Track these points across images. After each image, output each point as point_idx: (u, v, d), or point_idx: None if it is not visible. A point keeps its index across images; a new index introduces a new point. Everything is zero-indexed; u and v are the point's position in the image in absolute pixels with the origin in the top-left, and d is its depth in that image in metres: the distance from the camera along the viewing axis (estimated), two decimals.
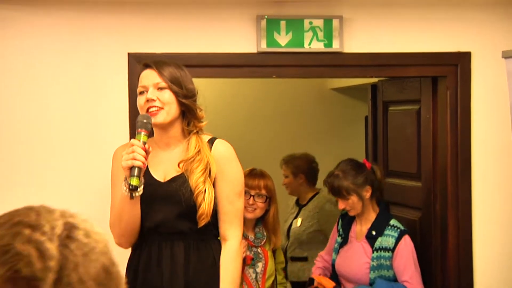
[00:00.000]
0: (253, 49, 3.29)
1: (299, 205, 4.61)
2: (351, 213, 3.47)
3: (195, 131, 2.66)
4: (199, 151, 2.61)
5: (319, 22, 3.30)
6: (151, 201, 2.59)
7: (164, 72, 2.59)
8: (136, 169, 2.43)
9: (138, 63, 3.00)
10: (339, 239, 3.61)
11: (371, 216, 3.44)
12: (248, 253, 3.36)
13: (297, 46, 3.30)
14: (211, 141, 2.68)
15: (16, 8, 3.19)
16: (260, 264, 3.43)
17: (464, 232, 3.44)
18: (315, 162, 4.68)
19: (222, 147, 2.68)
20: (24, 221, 0.98)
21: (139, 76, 2.67)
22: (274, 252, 3.61)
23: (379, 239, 3.35)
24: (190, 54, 3.26)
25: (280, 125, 5.93)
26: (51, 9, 3.20)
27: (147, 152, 2.46)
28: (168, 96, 2.58)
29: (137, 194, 2.49)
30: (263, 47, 3.28)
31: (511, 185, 3.45)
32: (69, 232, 1.00)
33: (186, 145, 2.65)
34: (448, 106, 3.43)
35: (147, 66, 2.64)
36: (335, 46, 3.31)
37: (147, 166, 2.54)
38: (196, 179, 2.56)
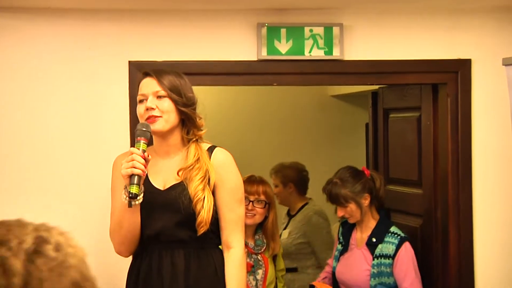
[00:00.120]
0: (253, 57, 3.30)
1: (289, 215, 4.59)
2: (351, 221, 3.48)
3: (194, 139, 2.67)
4: (198, 159, 2.62)
5: (319, 30, 3.30)
6: (150, 209, 2.59)
7: (163, 80, 2.59)
8: (136, 177, 2.44)
9: (139, 71, 3.00)
10: (339, 247, 3.61)
11: (371, 223, 3.44)
12: (248, 260, 3.36)
13: (297, 53, 3.30)
14: (210, 149, 2.68)
15: (17, 16, 3.20)
16: (260, 271, 3.43)
17: (465, 239, 3.43)
18: (305, 171, 4.66)
19: (221, 155, 2.68)
20: None
21: (139, 84, 2.67)
22: (274, 259, 3.61)
23: (380, 246, 3.35)
24: (191, 62, 3.27)
25: (280, 133, 5.93)
26: (51, 18, 3.21)
27: (146, 160, 2.47)
28: (167, 104, 2.58)
29: (136, 202, 2.50)
30: (264, 54, 3.28)
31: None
32: (37, 247, 0.98)
33: (185, 153, 2.66)
34: (449, 113, 3.43)
35: (147, 74, 2.65)
36: (336, 54, 3.31)
37: (147, 174, 2.55)
38: (195, 187, 2.57)
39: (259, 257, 3.44)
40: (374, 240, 3.38)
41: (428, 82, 3.52)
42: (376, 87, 4.15)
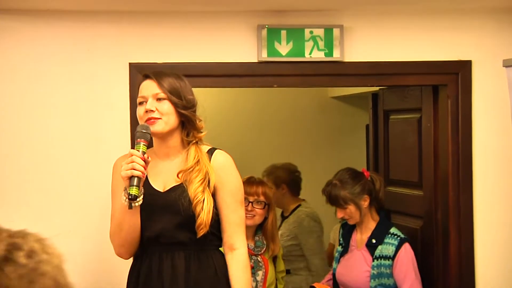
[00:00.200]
0: (253, 59, 3.30)
1: (283, 216, 4.58)
2: (350, 222, 3.48)
3: (194, 141, 2.67)
4: (198, 161, 2.62)
5: (319, 32, 3.30)
6: (150, 211, 2.59)
7: (163, 83, 2.60)
8: (136, 179, 2.44)
9: (139, 73, 3.00)
10: (339, 248, 3.62)
11: (371, 224, 3.45)
12: None
13: (297, 55, 3.30)
14: (210, 152, 2.68)
15: (17, 18, 3.20)
16: (260, 273, 3.43)
17: (466, 241, 3.43)
18: (297, 172, 4.64)
19: (221, 158, 2.68)
20: None
21: (139, 86, 2.68)
22: (274, 260, 3.61)
23: (379, 247, 3.35)
24: (191, 64, 3.27)
25: (280, 134, 5.92)
26: (51, 20, 3.21)
27: (146, 162, 2.47)
28: (167, 107, 2.58)
29: (136, 204, 2.50)
30: (264, 56, 3.28)
31: None
32: (8, 254, 0.98)
33: (185, 155, 2.66)
34: (449, 115, 3.43)
35: (146, 76, 2.65)
36: (336, 55, 3.31)
37: (147, 176, 2.55)
38: (194, 189, 2.57)
39: (259, 258, 3.44)
40: (374, 241, 3.38)
41: (429, 84, 3.52)
42: (376, 88, 4.15)
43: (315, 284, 3.59)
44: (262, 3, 3.20)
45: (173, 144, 2.65)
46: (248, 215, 3.35)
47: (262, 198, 3.48)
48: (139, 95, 2.64)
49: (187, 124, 2.65)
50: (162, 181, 2.64)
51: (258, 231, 3.53)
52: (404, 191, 3.86)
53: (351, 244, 3.53)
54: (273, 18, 3.29)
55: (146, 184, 2.57)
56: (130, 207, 2.48)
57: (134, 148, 2.51)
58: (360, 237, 3.48)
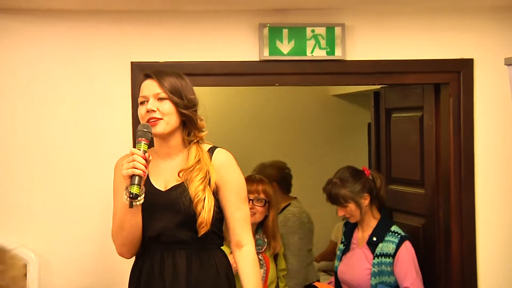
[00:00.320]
0: (255, 57, 3.30)
1: None
2: (351, 220, 3.50)
3: (195, 140, 2.67)
4: (199, 160, 2.62)
5: (321, 30, 3.30)
6: (152, 210, 2.59)
7: (164, 82, 2.59)
8: (137, 177, 2.44)
9: (141, 72, 3.00)
10: (341, 247, 3.62)
11: (372, 222, 3.45)
12: None
13: (299, 54, 3.30)
14: (211, 150, 2.68)
15: (18, 18, 3.21)
16: (261, 271, 3.43)
17: (468, 239, 3.43)
18: (287, 169, 4.59)
19: (222, 156, 2.68)
20: None
21: (140, 86, 2.68)
22: (275, 258, 3.61)
23: (380, 245, 3.36)
24: (193, 63, 3.27)
25: (282, 132, 5.92)
26: (52, 20, 3.21)
27: (147, 160, 2.47)
28: (168, 107, 2.58)
29: (137, 203, 2.50)
30: (266, 55, 3.28)
31: None
32: None
33: (186, 154, 2.66)
34: (451, 113, 3.43)
35: (147, 76, 2.65)
36: (338, 54, 3.31)
37: (148, 176, 2.55)
38: (195, 188, 2.57)
39: (260, 257, 3.45)
40: (374, 239, 3.39)
41: (430, 82, 3.52)
42: (378, 86, 4.15)
43: (316, 283, 3.59)
44: (264, 2, 3.21)
45: (174, 143, 2.65)
46: None
47: (262, 195, 3.49)
48: (140, 94, 2.64)
49: (188, 124, 2.65)
50: (163, 180, 2.64)
51: (259, 229, 3.53)
52: (406, 189, 3.87)
53: (353, 242, 3.53)
54: (275, 16, 3.30)
55: (147, 183, 2.57)
56: (131, 206, 2.48)
57: (135, 147, 2.51)
58: (361, 235, 3.49)
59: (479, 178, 3.43)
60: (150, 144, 2.56)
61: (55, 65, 3.23)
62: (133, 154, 2.46)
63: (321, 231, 5.55)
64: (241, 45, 3.31)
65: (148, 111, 2.57)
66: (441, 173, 3.54)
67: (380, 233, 3.39)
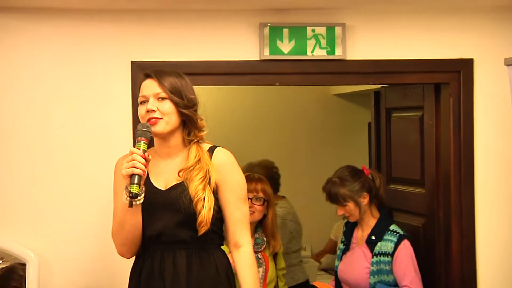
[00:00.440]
0: (256, 57, 3.31)
1: None
2: (351, 219, 3.50)
3: (195, 140, 2.67)
4: (199, 159, 2.62)
5: (321, 30, 3.31)
6: (152, 210, 2.59)
7: (164, 82, 2.59)
8: (136, 177, 2.44)
9: (141, 71, 3.00)
10: (341, 246, 3.63)
11: (372, 221, 3.46)
12: None
13: (300, 53, 3.31)
14: (211, 150, 2.68)
15: (19, 17, 3.21)
16: (260, 270, 3.44)
17: (468, 238, 3.44)
18: (275, 168, 4.58)
19: (222, 156, 2.68)
20: None
21: (140, 85, 2.68)
22: (274, 257, 3.61)
23: (379, 244, 3.37)
24: (193, 62, 3.27)
25: (282, 131, 5.93)
26: (53, 19, 3.22)
27: (146, 160, 2.47)
28: (168, 106, 2.58)
29: (137, 202, 2.50)
30: (266, 54, 3.29)
31: None
32: None
33: (186, 154, 2.66)
34: (451, 113, 3.44)
35: (147, 76, 2.65)
36: (338, 54, 3.31)
37: (148, 175, 2.55)
38: (195, 187, 2.57)
39: (259, 256, 3.45)
40: (373, 238, 3.39)
41: (431, 82, 3.52)
42: (378, 86, 4.15)
43: (315, 283, 3.60)
44: (264, 1, 3.21)
45: (174, 143, 2.65)
46: None
47: (261, 194, 3.49)
48: (140, 94, 2.63)
49: (189, 124, 2.65)
50: (163, 180, 2.64)
51: (258, 228, 3.53)
52: (406, 189, 3.87)
53: (352, 241, 3.54)
54: (275, 16, 3.30)
55: (147, 183, 2.57)
56: (131, 205, 2.48)
57: (135, 147, 2.51)
58: (361, 234, 3.50)
59: (479, 177, 3.44)
60: (150, 144, 2.56)
61: (55, 64, 3.23)
62: (132, 154, 2.46)
63: (321, 230, 5.57)
64: (241, 45, 3.31)
65: (148, 111, 2.57)
66: (441, 172, 3.55)
67: (379, 232, 3.40)
